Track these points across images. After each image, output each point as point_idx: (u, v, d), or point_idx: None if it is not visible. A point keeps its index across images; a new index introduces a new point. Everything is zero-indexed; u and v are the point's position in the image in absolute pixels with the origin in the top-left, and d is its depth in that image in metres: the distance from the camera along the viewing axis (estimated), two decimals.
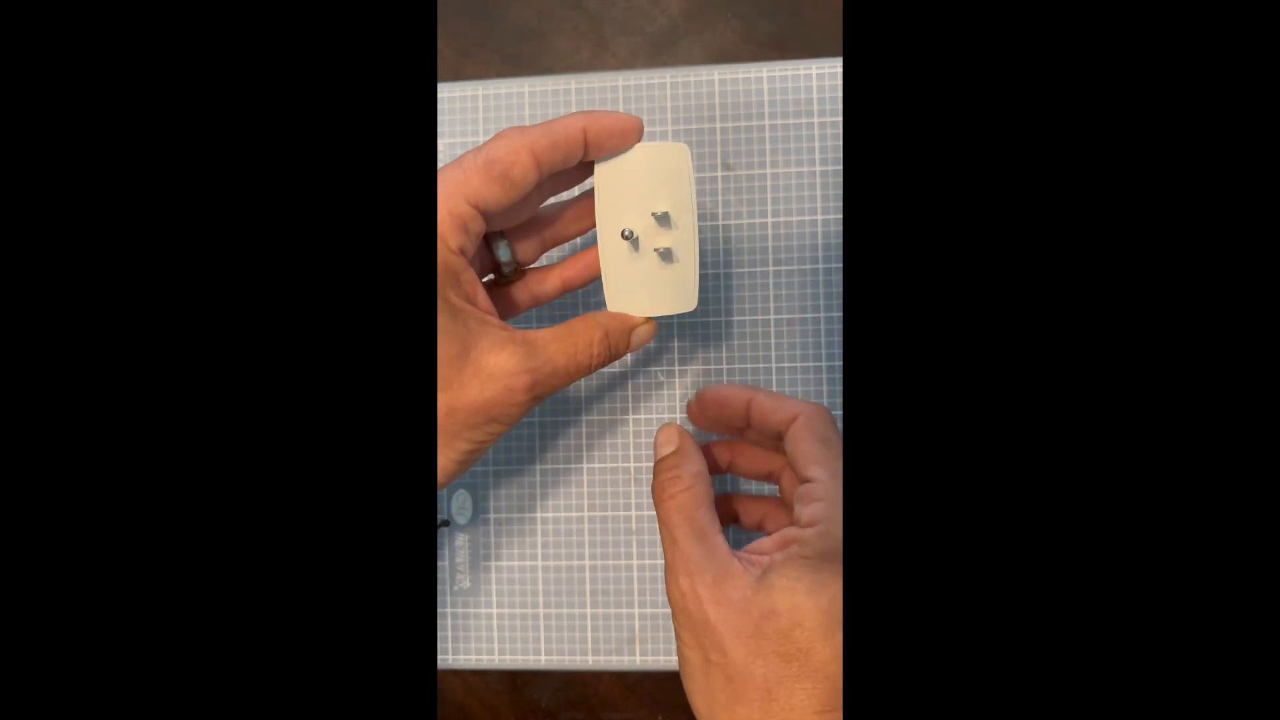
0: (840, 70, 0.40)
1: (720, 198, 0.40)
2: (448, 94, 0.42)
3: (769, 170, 0.40)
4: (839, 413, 0.39)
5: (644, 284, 0.34)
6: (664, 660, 0.40)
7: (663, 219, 0.33)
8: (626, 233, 0.32)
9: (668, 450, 0.34)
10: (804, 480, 0.32)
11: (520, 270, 0.35)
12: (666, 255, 0.33)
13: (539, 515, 0.41)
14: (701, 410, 0.37)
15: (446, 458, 0.30)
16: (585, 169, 0.33)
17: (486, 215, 0.30)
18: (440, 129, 0.42)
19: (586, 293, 0.40)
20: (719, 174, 0.40)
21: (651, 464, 0.39)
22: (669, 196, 0.33)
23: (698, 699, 0.31)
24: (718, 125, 0.40)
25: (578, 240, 0.37)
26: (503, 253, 0.34)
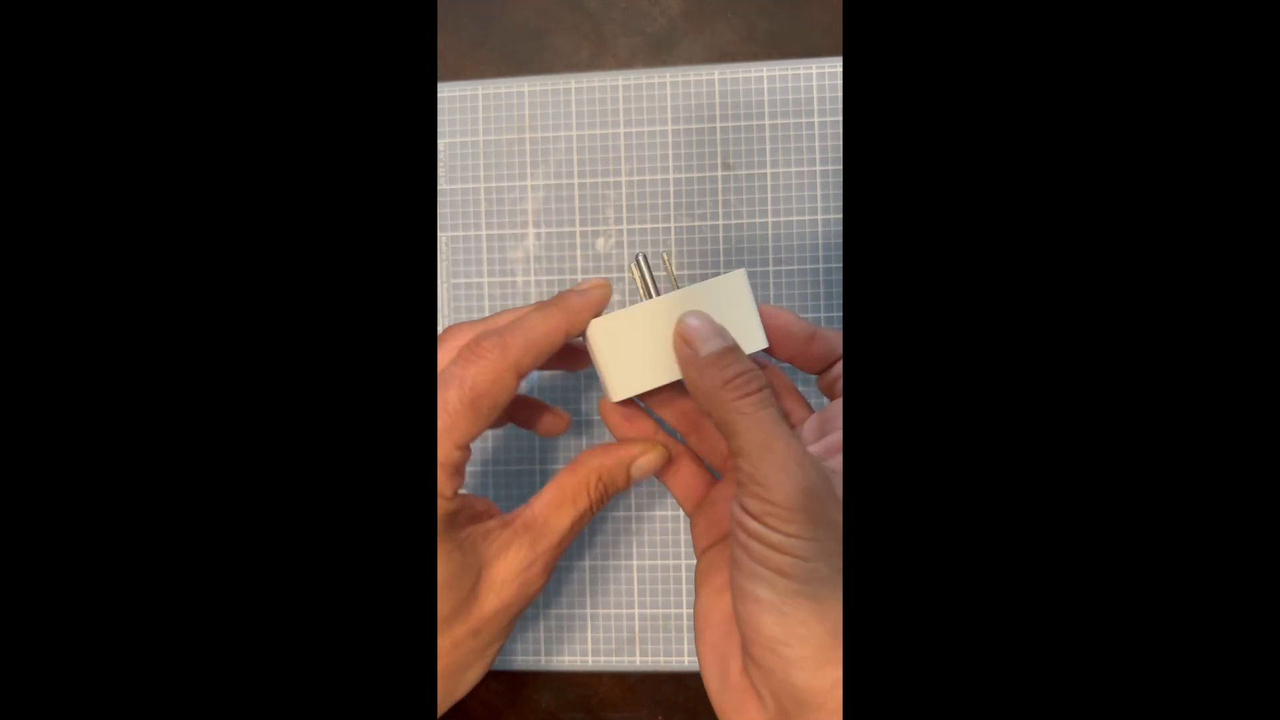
0: (840, 70, 0.40)
1: (720, 198, 0.40)
2: (448, 93, 0.42)
3: (769, 170, 0.40)
4: None
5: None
6: (664, 660, 0.40)
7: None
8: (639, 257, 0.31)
9: (719, 345, 0.28)
10: None
11: None
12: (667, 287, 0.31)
13: None
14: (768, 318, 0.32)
15: (482, 666, 0.32)
16: None
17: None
18: (440, 129, 0.42)
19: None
20: (719, 174, 0.40)
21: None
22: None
23: (806, 630, 0.26)
24: (718, 125, 0.40)
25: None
26: None
